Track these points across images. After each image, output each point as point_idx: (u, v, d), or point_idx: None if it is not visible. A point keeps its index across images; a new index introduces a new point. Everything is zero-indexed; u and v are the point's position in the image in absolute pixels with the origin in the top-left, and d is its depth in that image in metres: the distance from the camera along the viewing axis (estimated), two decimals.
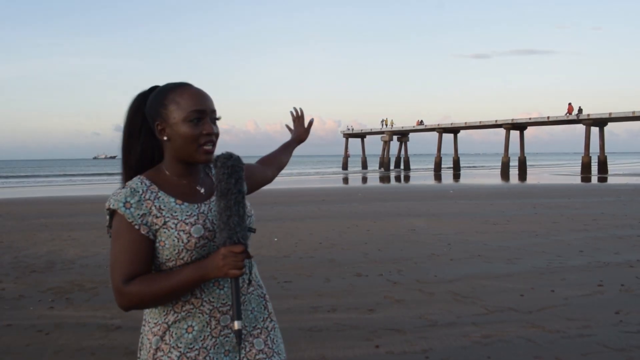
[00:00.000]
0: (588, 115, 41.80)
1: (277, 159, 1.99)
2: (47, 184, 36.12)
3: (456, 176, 41.32)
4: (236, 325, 1.37)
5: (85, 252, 8.05)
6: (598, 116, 41.33)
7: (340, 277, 6.15)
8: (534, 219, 11.42)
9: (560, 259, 7.11)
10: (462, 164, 56.29)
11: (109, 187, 29.89)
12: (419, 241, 8.68)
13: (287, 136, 2.17)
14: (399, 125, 57.75)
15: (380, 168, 55.34)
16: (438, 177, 41.00)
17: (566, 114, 42.72)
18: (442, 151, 52.50)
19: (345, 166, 58.47)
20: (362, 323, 4.50)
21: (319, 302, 5.15)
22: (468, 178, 37.85)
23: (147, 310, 1.52)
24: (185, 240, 1.42)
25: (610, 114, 40.68)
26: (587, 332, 4.19)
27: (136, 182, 1.47)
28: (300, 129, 2.16)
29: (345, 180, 37.60)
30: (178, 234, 1.42)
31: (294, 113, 2.18)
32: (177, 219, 1.44)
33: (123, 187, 1.47)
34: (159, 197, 1.46)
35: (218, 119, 1.52)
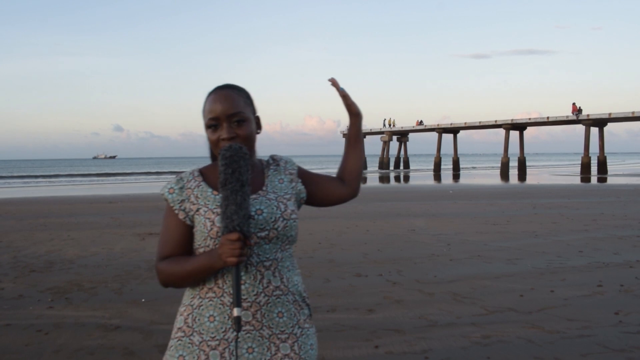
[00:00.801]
0: (588, 115, 41.81)
1: (344, 167, 1.79)
2: (47, 184, 36.10)
3: (456, 176, 41.32)
4: (235, 312, 1.38)
5: (84, 252, 8.04)
6: (598, 116, 41.34)
7: (340, 277, 6.15)
8: (534, 219, 11.41)
9: (560, 259, 7.11)
10: (461, 164, 56.32)
11: (108, 188, 29.89)
12: (418, 241, 8.67)
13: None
14: (398, 125, 57.79)
15: (379, 168, 55.33)
16: (437, 177, 41.01)
17: (573, 114, 42.58)
18: (442, 151, 52.53)
19: None
20: (362, 323, 4.49)
21: (318, 302, 5.14)
22: (467, 178, 37.85)
23: (184, 292, 1.62)
24: (209, 228, 1.50)
25: (609, 114, 40.69)
26: (587, 333, 4.18)
27: (187, 172, 1.62)
28: (343, 101, 1.77)
29: None
30: (205, 221, 1.51)
31: (333, 84, 1.76)
32: (208, 207, 1.53)
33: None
34: (200, 186, 1.57)
35: (242, 120, 1.55)
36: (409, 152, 59.33)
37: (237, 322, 1.38)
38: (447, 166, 54.56)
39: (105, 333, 4.34)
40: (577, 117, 42.36)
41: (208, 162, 1.70)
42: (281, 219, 1.54)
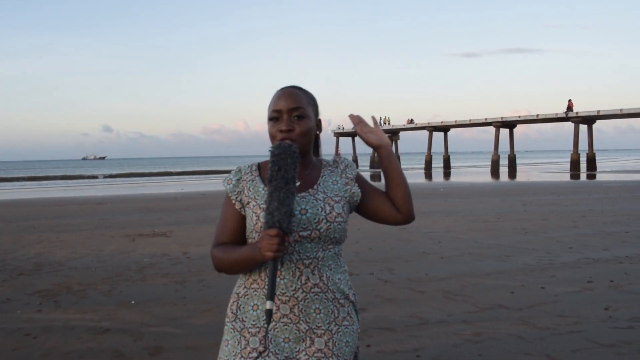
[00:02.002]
0: (577, 113, 42.09)
1: (390, 197, 1.71)
2: (35, 186, 35.78)
3: (446, 174, 41.45)
4: (267, 305, 1.42)
5: (73, 254, 7.97)
6: (587, 114, 41.62)
7: None
8: (524, 217, 11.47)
9: (549, 255, 7.14)
10: (452, 162, 56.54)
11: (98, 188, 29.69)
12: (409, 239, 8.68)
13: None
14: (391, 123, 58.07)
15: (370, 167, 55.45)
16: (428, 175, 41.11)
17: (567, 111, 42.76)
18: (433, 149, 52.68)
19: None
20: None
21: None
22: (458, 176, 37.98)
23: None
24: (254, 222, 1.58)
25: (598, 111, 40.98)
26: (577, 329, 4.20)
27: (246, 165, 1.70)
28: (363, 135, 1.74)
29: None
30: (251, 214, 1.59)
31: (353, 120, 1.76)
32: (256, 201, 1.60)
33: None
34: (254, 180, 1.64)
35: (302, 116, 1.62)
36: (400, 151, 59.48)
37: (268, 315, 1.42)
38: (438, 164, 54.72)
39: (95, 336, 4.30)
40: (566, 115, 42.62)
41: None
42: (325, 220, 1.56)
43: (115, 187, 31.61)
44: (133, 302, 5.27)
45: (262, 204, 1.57)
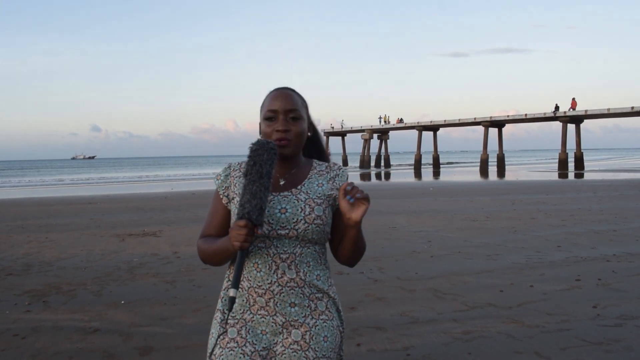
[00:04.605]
0: (564, 112, 42.41)
1: (341, 248, 1.67)
2: (24, 185, 35.45)
3: (436, 173, 41.60)
4: (231, 292, 1.47)
5: (62, 254, 7.92)
6: (574, 113, 41.95)
7: None
8: (513, 215, 11.54)
9: (538, 254, 7.20)
10: (441, 161, 56.75)
11: (89, 188, 29.45)
12: (399, 238, 8.71)
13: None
14: (381, 123, 58.23)
15: (360, 166, 55.51)
16: (418, 174, 41.23)
17: (569, 109, 42.95)
18: (422, 149, 52.84)
19: None
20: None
21: None
22: (448, 175, 38.13)
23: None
24: (236, 217, 1.57)
25: (586, 111, 41.33)
26: (566, 327, 4.24)
27: (236, 162, 1.74)
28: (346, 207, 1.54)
29: None
30: (236, 209, 1.59)
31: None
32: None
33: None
34: (242, 177, 1.63)
35: (297, 117, 1.65)
36: (389, 150, 59.63)
37: (231, 302, 1.47)
38: (427, 162, 54.88)
39: (84, 336, 4.27)
40: (554, 114, 42.94)
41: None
42: (303, 221, 1.58)
43: (105, 186, 31.40)
44: (123, 302, 5.25)
45: None
